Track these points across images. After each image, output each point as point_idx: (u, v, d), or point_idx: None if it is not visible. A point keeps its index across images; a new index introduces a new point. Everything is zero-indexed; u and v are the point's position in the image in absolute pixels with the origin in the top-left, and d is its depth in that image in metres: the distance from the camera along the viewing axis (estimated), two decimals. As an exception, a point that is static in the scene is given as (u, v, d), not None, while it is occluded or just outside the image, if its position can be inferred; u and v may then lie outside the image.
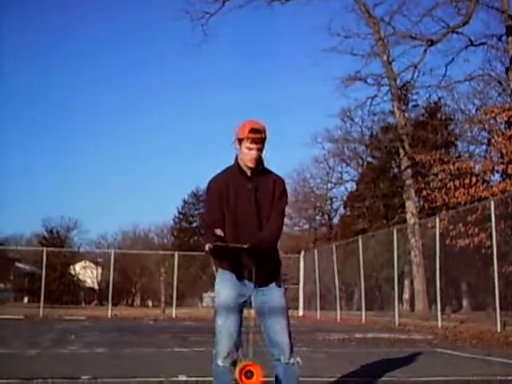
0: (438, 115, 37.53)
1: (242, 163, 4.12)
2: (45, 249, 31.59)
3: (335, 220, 53.33)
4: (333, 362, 8.25)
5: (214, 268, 4.21)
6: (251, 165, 4.08)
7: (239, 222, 4.04)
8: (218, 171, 4.23)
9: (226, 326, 3.99)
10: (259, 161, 4.11)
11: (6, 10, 76.53)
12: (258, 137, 4.02)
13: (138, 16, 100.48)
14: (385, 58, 31.98)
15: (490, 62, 31.03)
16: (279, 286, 4.10)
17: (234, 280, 4.03)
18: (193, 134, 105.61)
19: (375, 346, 12.08)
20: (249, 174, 4.11)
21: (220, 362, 3.95)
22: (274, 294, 4.05)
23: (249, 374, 3.74)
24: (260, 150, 4.06)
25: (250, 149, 4.03)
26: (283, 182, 4.25)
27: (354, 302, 32.05)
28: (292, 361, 4.03)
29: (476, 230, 20.87)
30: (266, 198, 4.09)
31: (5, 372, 6.98)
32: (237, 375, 3.74)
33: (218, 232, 3.84)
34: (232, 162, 4.20)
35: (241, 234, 3.98)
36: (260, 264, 3.97)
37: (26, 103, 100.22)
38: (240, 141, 4.06)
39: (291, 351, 4.04)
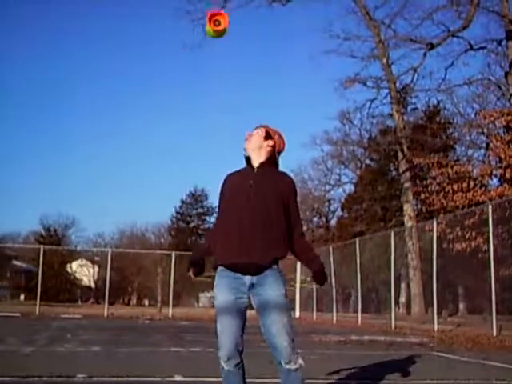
0: (437, 119, 37.61)
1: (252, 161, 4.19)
2: (42, 246, 31.58)
3: (333, 222, 53.45)
4: (329, 363, 8.23)
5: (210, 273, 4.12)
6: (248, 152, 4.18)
7: (238, 218, 3.96)
8: (231, 171, 4.28)
9: (225, 331, 3.91)
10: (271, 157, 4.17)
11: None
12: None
13: (138, 15, 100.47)
14: (384, 60, 32.01)
15: (489, 66, 31.15)
16: (278, 283, 3.91)
17: (232, 281, 3.90)
18: (191, 134, 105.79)
19: (371, 349, 12.08)
20: (255, 170, 4.11)
21: (224, 365, 3.90)
22: (270, 294, 3.85)
23: (217, 23, 3.87)
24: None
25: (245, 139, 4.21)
26: (292, 181, 4.20)
27: (351, 305, 32.09)
28: (293, 366, 3.80)
29: (473, 233, 20.91)
30: (269, 195, 4.00)
31: (0, 370, 6.98)
32: (207, 24, 3.89)
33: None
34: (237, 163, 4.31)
35: (242, 234, 3.90)
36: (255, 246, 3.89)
37: (24, 100, 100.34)
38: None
39: (291, 354, 3.81)
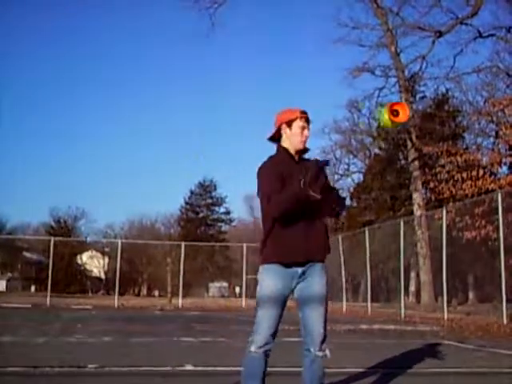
0: (446, 107, 37.36)
1: (288, 147, 4.14)
2: (52, 238, 31.77)
3: (341, 211, 53.19)
4: (340, 352, 8.22)
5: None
6: (302, 146, 4.11)
7: (301, 215, 3.96)
8: (265, 159, 4.16)
9: (266, 318, 3.96)
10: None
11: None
12: (308, 117, 4.13)
13: (145, 4, 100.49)
14: (393, 49, 31.83)
15: (498, 54, 30.79)
16: (323, 274, 4.06)
17: (283, 270, 3.96)
18: (201, 125, 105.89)
19: (382, 338, 12.09)
20: (296, 158, 4.13)
21: (253, 349, 3.94)
22: (316, 282, 4.01)
23: (395, 113, 4.01)
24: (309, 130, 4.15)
25: (303, 128, 4.09)
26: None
27: (360, 294, 32.09)
28: (320, 353, 3.99)
29: (483, 222, 20.83)
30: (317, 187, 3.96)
31: (12, 360, 7.02)
32: (385, 115, 4.01)
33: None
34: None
35: (294, 219, 3.93)
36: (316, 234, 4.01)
37: (35, 92, 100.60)
38: (290, 123, 4.09)
39: (322, 342, 4.01)
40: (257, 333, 3.97)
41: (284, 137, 4.14)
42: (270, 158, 4.17)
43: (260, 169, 4.09)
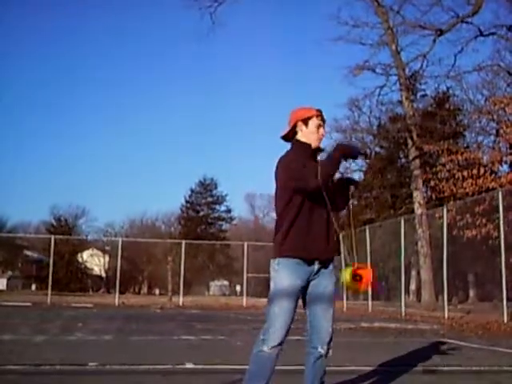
0: (447, 105, 37.29)
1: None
2: (53, 236, 31.74)
3: (342, 210, 53.23)
4: (341, 351, 8.23)
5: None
6: (318, 144, 4.14)
7: (313, 201, 3.97)
8: (284, 153, 4.13)
9: (282, 315, 3.86)
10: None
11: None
12: (323, 116, 4.15)
13: (146, 4, 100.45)
14: (393, 47, 31.75)
15: (499, 53, 30.76)
16: (333, 273, 4.04)
17: (300, 267, 3.91)
18: (201, 124, 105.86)
19: (382, 336, 12.09)
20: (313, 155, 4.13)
21: (266, 349, 3.83)
22: (326, 281, 3.98)
23: (358, 278, 3.90)
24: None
25: (319, 126, 4.11)
26: None
27: (361, 292, 32.06)
28: (324, 352, 3.95)
29: (483, 220, 20.85)
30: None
31: (13, 358, 7.02)
32: (347, 278, 3.91)
33: None
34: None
35: (314, 217, 3.95)
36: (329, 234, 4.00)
37: (35, 92, 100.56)
38: (306, 121, 4.09)
39: (330, 341, 3.98)
40: (270, 331, 3.87)
41: (300, 134, 4.13)
42: (289, 152, 4.15)
43: (280, 162, 4.07)
